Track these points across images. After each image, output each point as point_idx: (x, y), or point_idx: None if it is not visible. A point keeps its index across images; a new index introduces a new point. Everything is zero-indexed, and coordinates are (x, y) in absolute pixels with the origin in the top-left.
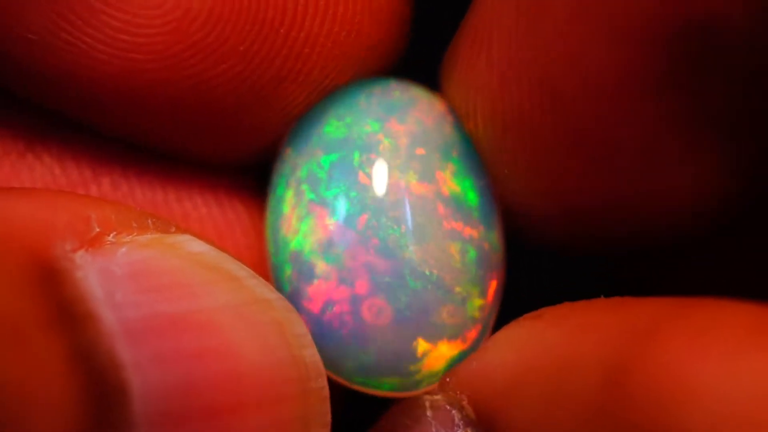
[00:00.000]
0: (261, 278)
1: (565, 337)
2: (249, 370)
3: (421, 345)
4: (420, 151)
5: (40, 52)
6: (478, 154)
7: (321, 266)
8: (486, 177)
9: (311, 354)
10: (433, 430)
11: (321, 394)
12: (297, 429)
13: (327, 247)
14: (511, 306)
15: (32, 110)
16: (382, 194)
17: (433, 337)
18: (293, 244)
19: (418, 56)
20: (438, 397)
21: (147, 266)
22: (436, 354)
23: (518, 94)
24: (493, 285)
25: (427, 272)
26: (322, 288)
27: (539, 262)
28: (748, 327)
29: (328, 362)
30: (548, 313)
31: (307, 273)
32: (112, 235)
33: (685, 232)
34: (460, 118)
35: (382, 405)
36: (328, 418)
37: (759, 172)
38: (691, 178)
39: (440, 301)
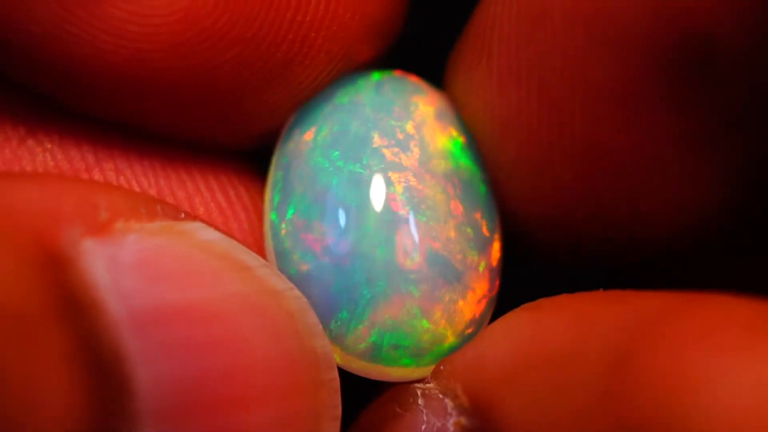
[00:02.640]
0: (272, 267)
1: (564, 327)
2: (259, 361)
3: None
4: (430, 136)
5: (46, 44)
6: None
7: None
8: (487, 171)
9: (322, 345)
10: (424, 418)
11: (332, 386)
12: (307, 422)
13: (325, 231)
14: (508, 300)
15: (32, 96)
16: (382, 177)
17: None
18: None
19: (423, 55)
20: (430, 385)
21: (156, 254)
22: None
23: (516, 100)
24: (492, 272)
25: (424, 252)
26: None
27: (536, 270)
28: (754, 323)
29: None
30: (546, 303)
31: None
32: (120, 221)
33: (684, 242)
34: (463, 119)
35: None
36: (339, 410)
37: (757, 183)
38: (688, 187)
39: (434, 282)
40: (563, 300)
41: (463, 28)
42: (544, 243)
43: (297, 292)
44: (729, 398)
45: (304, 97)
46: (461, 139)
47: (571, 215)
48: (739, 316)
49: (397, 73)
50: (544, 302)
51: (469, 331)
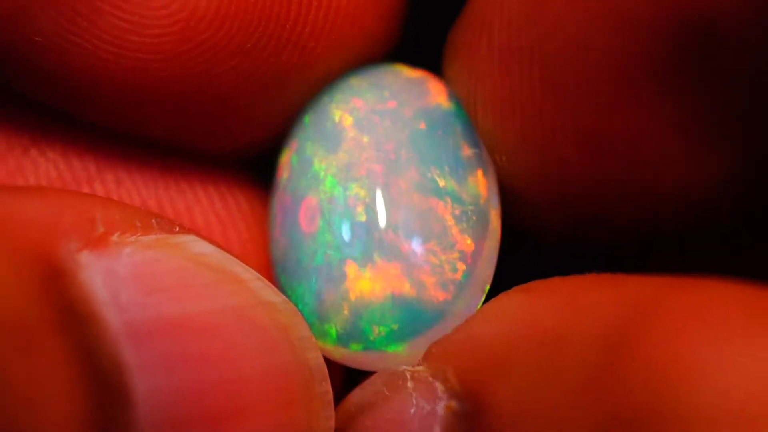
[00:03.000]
0: (266, 280)
1: (557, 310)
2: (253, 374)
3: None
4: (400, 124)
5: (47, 53)
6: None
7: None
8: (479, 147)
9: (315, 357)
10: (414, 401)
11: (325, 398)
12: None
13: (318, 239)
14: (506, 284)
15: (35, 106)
16: (374, 177)
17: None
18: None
19: (420, 41)
20: (420, 368)
21: (151, 267)
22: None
23: (518, 81)
24: (473, 248)
25: (396, 231)
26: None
27: (537, 250)
28: (750, 307)
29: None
30: (539, 285)
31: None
32: (116, 235)
33: (683, 227)
34: (461, 103)
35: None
36: (332, 422)
37: (759, 175)
38: (689, 173)
39: (407, 259)
40: (556, 283)
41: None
42: (545, 225)
43: (290, 305)
44: (724, 384)
45: (303, 105)
46: (435, 121)
47: (572, 197)
48: (735, 300)
49: (391, 68)
50: (536, 284)
51: (443, 301)
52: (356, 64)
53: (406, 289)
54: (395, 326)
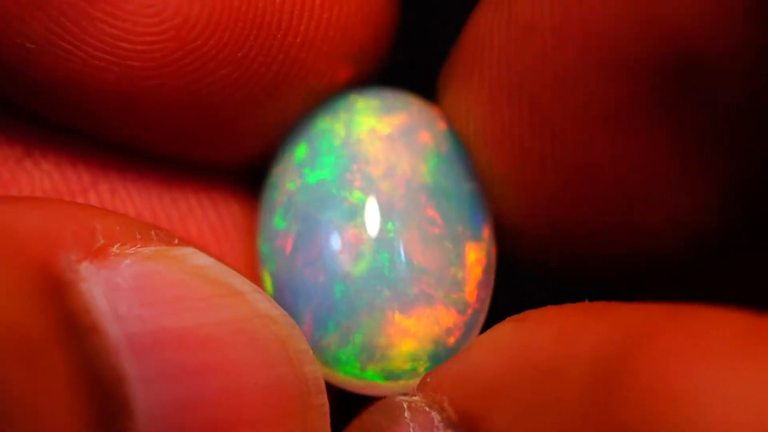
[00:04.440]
0: (264, 293)
1: (551, 339)
2: (250, 386)
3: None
4: (408, 152)
5: (39, 60)
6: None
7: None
8: (478, 181)
9: (313, 370)
10: (411, 431)
11: (321, 410)
12: None
13: (310, 244)
14: (498, 314)
15: (29, 116)
16: (368, 196)
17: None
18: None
19: (416, 68)
20: (417, 398)
21: (151, 279)
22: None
23: (508, 116)
24: (477, 284)
25: (408, 266)
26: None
27: (530, 282)
28: (740, 335)
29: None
30: (533, 315)
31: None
32: (116, 246)
33: (678, 254)
34: (456, 133)
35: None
36: None
37: (751, 197)
38: (682, 201)
39: (418, 295)
40: (549, 312)
41: (454, 44)
42: (537, 257)
43: (289, 319)
44: (716, 410)
45: (295, 116)
46: (441, 151)
47: (563, 230)
48: (727, 327)
49: (385, 92)
50: (530, 314)
51: (453, 341)
52: (348, 78)
53: (427, 334)
54: (421, 368)
